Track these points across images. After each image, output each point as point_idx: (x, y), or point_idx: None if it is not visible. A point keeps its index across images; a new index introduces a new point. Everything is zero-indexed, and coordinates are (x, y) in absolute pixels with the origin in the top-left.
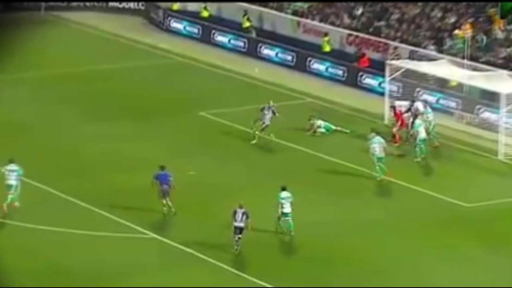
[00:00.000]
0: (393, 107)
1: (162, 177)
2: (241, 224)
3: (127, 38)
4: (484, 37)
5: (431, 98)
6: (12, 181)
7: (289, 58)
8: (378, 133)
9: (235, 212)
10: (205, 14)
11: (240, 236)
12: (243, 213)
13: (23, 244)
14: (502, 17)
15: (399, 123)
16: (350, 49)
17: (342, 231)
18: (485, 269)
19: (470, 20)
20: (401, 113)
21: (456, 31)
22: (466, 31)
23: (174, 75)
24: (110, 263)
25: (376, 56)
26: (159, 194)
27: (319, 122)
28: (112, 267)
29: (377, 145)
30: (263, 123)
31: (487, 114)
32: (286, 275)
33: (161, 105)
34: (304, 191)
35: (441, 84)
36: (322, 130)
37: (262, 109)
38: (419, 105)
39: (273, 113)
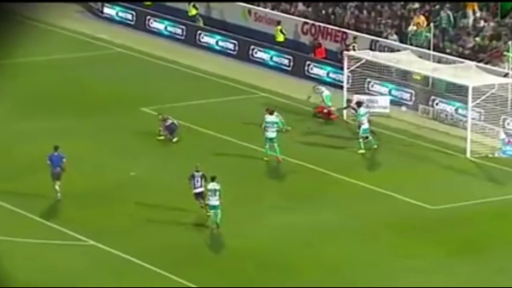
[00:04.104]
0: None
1: (55, 159)
2: (201, 189)
3: (62, 27)
4: (450, 13)
5: (385, 90)
6: None
7: (231, 46)
8: (272, 113)
9: (193, 176)
10: (147, 2)
11: (202, 201)
12: (201, 177)
13: None
14: (502, 17)
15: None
16: (306, 39)
17: (300, 236)
18: (451, 279)
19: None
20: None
21: (415, 20)
22: (420, 23)
23: (113, 67)
24: (43, 272)
25: (333, 46)
26: (51, 177)
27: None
28: (46, 276)
29: (270, 125)
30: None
31: (452, 108)
32: (237, 283)
33: (100, 100)
34: (257, 194)
35: (404, 77)
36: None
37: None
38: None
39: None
